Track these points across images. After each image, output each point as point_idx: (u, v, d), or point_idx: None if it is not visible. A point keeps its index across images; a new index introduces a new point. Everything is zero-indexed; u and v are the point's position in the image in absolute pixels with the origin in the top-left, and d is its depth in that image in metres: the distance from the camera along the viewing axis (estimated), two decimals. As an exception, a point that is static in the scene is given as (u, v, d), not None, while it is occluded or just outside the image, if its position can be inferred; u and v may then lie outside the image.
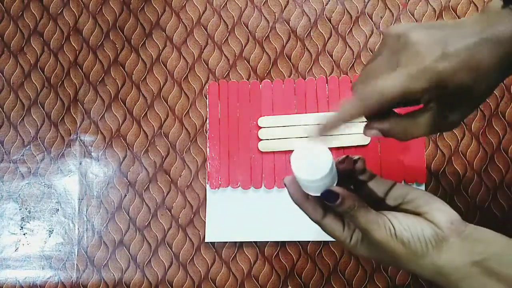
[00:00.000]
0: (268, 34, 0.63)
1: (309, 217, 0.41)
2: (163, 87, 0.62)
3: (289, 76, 0.62)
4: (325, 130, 0.38)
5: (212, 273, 0.59)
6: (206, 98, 0.61)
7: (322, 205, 0.40)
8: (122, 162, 0.61)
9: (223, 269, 0.59)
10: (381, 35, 0.62)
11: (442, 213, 0.37)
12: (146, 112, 0.62)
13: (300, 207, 0.41)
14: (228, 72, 0.62)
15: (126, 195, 0.60)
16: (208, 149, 0.60)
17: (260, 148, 0.59)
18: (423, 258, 0.36)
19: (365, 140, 0.59)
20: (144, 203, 0.60)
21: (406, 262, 0.37)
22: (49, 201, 0.61)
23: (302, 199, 0.40)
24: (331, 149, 0.59)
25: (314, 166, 0.37)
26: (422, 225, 0.37)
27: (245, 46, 0.62)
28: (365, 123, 0.40)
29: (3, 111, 0.62)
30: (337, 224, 0.40)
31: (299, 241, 0.59)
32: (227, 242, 0.59)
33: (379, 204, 0.41)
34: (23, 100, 0.62)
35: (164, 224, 0.60)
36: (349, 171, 0.41)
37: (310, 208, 0.40)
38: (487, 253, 0.36)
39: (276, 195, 0.59)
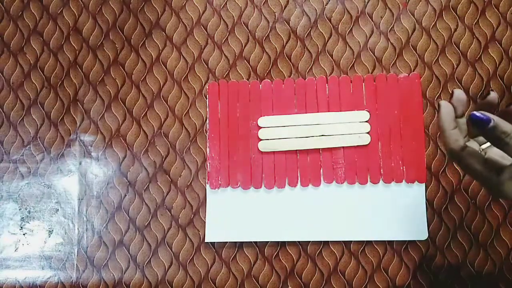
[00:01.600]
0: (268, 34, 0.63)
1: (448, 145, 0.40)
2: (163, 87, 0.62)
3: (289, 76, 0.61)
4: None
5: (212, 273, 0.59)
6: (206, 98, 0.61)
7: (464, 138, 0.40)
8: (122, 162, 0.61)
9: (223, 269, 0.59)
10: (382, 35, 0.62)
11: None
12: (146, 112, 0.62)
13: (444, 133, 0.41)
14: (228, 72, 0.62)
15: (126, 195, 0.60)
16: (208, 149, 0.60)
17: (260, 148, 0.59)
18: None
19: (365, 140, 0.59)
20: (144, 203, 0.60)
21: None
22: (48, 201, 0.61)
23: (451, 125, 0.40)
24: (330, 149, 0.59)
25: None
26: None
27: (245, 46, 0.62)
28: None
29: (3, 111, 0.62)
30: (477, 158, 0.39)
31: (299, 241, 0.59)
32: (227, 242, 0.59)
33: None
34: (23, 100, 0.62)
35: (164, 224, 0.60)
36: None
37: (453, 135, 0.40)
38: None
39: (276, 195, 0.59)
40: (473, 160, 0.39)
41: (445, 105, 0.41)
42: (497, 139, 0.36)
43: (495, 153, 0.41)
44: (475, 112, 0.37)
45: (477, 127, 0.37)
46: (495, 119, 0.36)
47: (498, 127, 0.36)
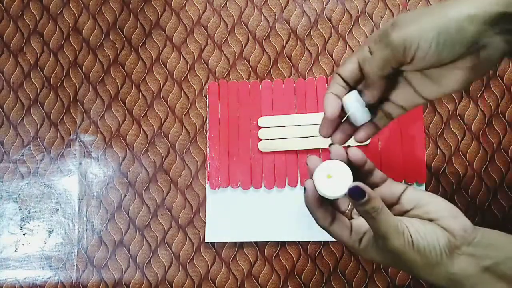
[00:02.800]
0: (268, 34, 0.63)
1: (317, 222, 0.41)
2: (163, 87, 0.62)
3: (289, 76, 0.61)
4: (323, 126, 0.42)
5: (212, 273, 0.59)
6: (206, 98, 0.61)
7: (331, 212, 0.40)
8: (122, 162, 0.61)
9: (223, 269, 0.59)
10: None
11: (455, 220, 0.38)
12: (146, 112, 0.62)
13: (310, 212, 0.41)
14: (228, 72, 0.62)
15: (126, 195, 0.60)
16: (208, 149, 0.60)
17: (260, 148, 0.59)
18: (437, 267, 0.37)
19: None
20: (144, 203, 0.60)
21: (420, 270, 0.37)
22: (48, 201, 0.61)
23: (315, 205, 0.40)
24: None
25: (336, 182, 0.39)
26: (437, 233, 0.37)
27: (245, 46, 0.62)
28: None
29: (3, 111, 0.62)
30: (344, 229, 0.40)
31: (299, 241, 0.59)
32: (227, 242, 0.59)
33: (390, 209, 0.40)
34: (23, 100, 0.62)
35: (164, 224, 0.60)
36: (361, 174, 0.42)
37: (320, 214, 0.40)
38: (499, 258, 0.36)
39: (276, 195, 0.59)
40: (342, 232, 0.40)
41: (308, 188, 0.40)
42: (365, 213, 0.37)
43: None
44: (357, 184, 0.37)
45: (352, 198, 0.37)
46: (371, 194, 0.36)
47: (370, 202, 0.36)
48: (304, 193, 0.40)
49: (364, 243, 0.40)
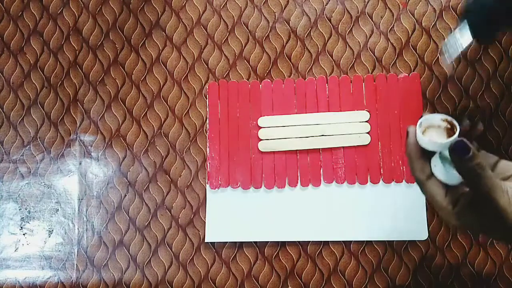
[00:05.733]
0: (268, 34, 0.63)
1: (414, 174, 0.40)
2: (163, 87, 0.62)
3: (289, 76, 0.61)
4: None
5: (212, 273, 0.59)
6: (206, 98, 0.61)
7: (429, 169, 0.40)
8: (122, 162, 0.61)
9: (223, 269, 0.59)
10: (382, 35, 0.62)
11: None
12: (146, 112, 0.62)
13: (410, 161, 0.40)
14: (228, 72, 0.62)
15: (126, 195, 0.60)
16: (208, 149, 0.60)
17: (260, 148, 0.59)
18: None
19: (365, 140, 0.59)
20: (144, 203, 0.60)
21: None
22: (48, 201, 0.61)
23: (417, 154, 0.40)
24: (330, 149, 0.59)
25: (437, 136, 0.39)
26: None
27: (245, 46, 0.62)
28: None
29: (3, 111, 0.62)
30: (440, 188, 0.39)
31: (299, 241, 0.59)
32: (227, 242, 0.59)
33: None
34: (23, 100, 0.62)
35: (164, 224, 0.60)
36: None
37: (419, 165, 0.40)
38: None
39: (276, 195, 0.59)
40: (437, 190, 0.39)
41: (411, 134, 0.40)
42: (469, 170, 0.37)
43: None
44: (463, 140, 0.37)
45: (455, 155, 0.37)
46: (474, 150, 0.36)
47: (475, 158, 0.36)
48: (406, 138, 0.40)
49: (460, 206, 0.38)
